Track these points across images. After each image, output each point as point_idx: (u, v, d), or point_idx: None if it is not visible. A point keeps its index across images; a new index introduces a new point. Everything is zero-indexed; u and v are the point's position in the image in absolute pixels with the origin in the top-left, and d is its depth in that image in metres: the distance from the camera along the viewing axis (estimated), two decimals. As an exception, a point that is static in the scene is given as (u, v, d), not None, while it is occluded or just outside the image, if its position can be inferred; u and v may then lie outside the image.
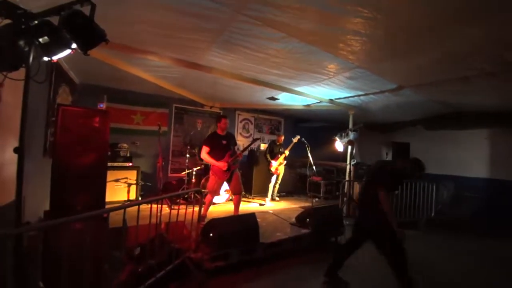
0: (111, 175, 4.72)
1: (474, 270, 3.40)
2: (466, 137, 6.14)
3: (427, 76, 3.70)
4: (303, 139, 6.17)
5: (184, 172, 5.72)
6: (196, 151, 5.91)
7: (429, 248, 4.09)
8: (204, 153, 4.13)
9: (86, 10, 1.56)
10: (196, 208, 3.34)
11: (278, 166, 6.13)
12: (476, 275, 3.28)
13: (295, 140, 6.22)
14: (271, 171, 6.13)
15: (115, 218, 2.44)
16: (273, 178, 6.23)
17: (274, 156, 6.20)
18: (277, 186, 6.38)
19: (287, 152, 6.20)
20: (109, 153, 4.86)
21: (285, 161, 6.26)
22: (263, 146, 7.14)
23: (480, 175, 5.96)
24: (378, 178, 2.64)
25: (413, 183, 5.12)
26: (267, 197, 6.19)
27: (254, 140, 4.90)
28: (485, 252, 4.05)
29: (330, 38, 2.78)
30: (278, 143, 6.41)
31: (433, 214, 5.17)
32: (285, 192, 7.12)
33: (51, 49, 1.54)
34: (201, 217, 3.56)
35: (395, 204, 4.97)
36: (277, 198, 6.45)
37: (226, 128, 4.35)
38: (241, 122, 7.79)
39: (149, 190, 5.62)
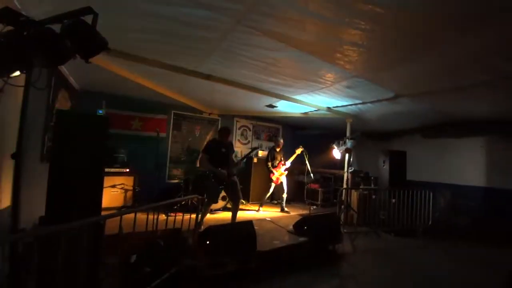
0: (108, 180, 4.69)
1: (473, 279, 3.39)
2: (462, 145, 6.19)
3: (423, 85, 3.76)
4: (300, 146, 6.16)
5: (182, 179, 5.70)
6: (195, 157, 5.91)
7: (427, 256, 4.08)
8: (203, 160, 4.14)
9: (88, 18, 1.59)
10: (193, 215, 3.32)
11: (279, 176, 5.98)
12: (475, 283, 3.27)
13: (298, 151, 6.04)
14: (272, 180, 5.96)
15: (111, 225, 2.42)
16: (271, 188, 6.06)
17: (277, 165, 6.02)
18: (285, 196, 6.12)
19: (288, 164, 6.03)
20: (107, 158, 4.84)
21: (286, 172, 6.09)
22: (261, 153, 7.10)
23: (477, 183, 5.98)
24: None
25: (411, 191, 5.14)
26: (260, 206, 6.06)
27: (253, 149, 4.89)
28: (483, 260, 4.04)
29: (328, 48, 2.83)
30: (278, 150, 6.20)
31: (430, 222, 5.17)
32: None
33: (52, 56, 1.55)
34: (198, 224, 3.54)
35: (392, 212, 4.97)
36: (286, 209, 6.08)
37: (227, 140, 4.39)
38: (239, 129, 7.81)
39: (146, 196, 5.57)
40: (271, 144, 7.01)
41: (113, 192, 4.94)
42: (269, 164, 6.03)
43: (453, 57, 2.75)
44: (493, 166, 5.79)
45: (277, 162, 6.07)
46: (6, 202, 2.00)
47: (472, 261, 3.97)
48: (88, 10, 1.54)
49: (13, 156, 1.49)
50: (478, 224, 5.52)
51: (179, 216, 3.10)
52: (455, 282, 3.25)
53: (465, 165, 6.18)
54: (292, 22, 2.36)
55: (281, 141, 6.33)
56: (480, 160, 5.98)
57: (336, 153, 5.93)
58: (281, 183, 6.04)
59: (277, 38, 2.67)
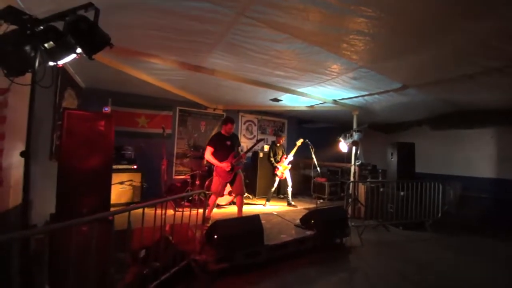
0: (116, 177, 4.76)
1: (483, 272, 3.34)
2: (472, 136, 6.06)
3: (431, 74, 3.66)
4: (307, 140, 6.13)
5: (188, 174, 5.74)
6: (201, 152, 5.93)
7: (436, 250, 4.03)
8: (208, 154, 4.14)
9: (90, 15, 1.58)
10: (200, 210, 3.34)
11: (284, 170, 6.00)
12: (485, 277, 3.22)
13: (298, 143, 6.05)
14: (277, 175, 5.99)
15: (120, 221, 2.46)
16: (276, 183, 6.09)
17: (279, 159, 6.08)
18: (290, 189, 6.14)
19: (291, 157, 6.05)
20: (114, 155, 4.89)
21: (290, 165, 6.12)
22: (266, 148, 7.10)
23: (487, 174, 5.86)
24: None
25: (419, 184, 5.06)
26: (267, 201, 6.09)
27: (258, 141, 4.89)
28: (494, 254, 3.98)
29: (333, 38, 2.77)
30: (278, 145, 6.27)
31: (440, 215, 5.10)
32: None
33: (56, 54, 1.56)
34: (205, 219, 3.56)
35: (401, 205, 4.92)
36: (292, 203, 6.12)
37: (231, 132, 4.35)
38: (244, 123, 7.80)
39: (154, 192, 5.64)
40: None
41: (121, 189, 5.01)
42: (272, 159, 6.10)
43: (463, 43, 2.66)
44: (504, 157, 5.65)
45: (279, 156, 6.16)
46: (18, 199, 2.04)
47: (482, 255, 3.90)
48: (90, 6, 1.53)
49: (22, 154, 1.50)
50: (488, 216, 5.42)
51: (186, 211, 3.13)
52: (463, 276, 3.20)
53: (475, 157, 6.06)
54: (295, 12, 2.31)
55: (282, 136, 6.42)
56: (490, 151, 5.85)
57: (343, 146, 5.87)
58: (285, 177, 6.08)
59: (281, 29, 2.63)
